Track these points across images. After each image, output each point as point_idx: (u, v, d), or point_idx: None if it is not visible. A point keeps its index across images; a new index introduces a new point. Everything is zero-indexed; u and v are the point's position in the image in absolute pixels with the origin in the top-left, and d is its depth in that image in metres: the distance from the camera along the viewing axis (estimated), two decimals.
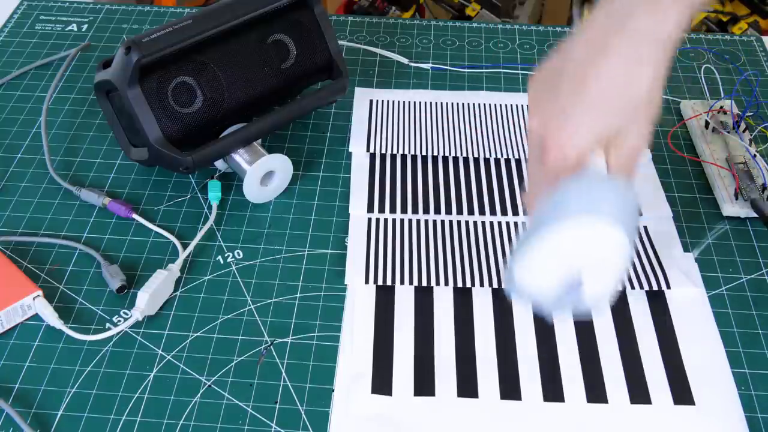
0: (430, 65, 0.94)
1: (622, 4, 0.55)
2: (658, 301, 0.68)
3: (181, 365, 0.64)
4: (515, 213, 0.75)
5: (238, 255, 0.72)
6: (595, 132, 0.55)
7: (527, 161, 0.59)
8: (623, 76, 0.54)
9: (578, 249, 0.53)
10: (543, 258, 0.54)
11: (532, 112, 0.58)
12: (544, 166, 0.56)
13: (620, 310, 0.67)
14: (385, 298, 0.68)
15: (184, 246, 0.72)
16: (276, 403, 0.61)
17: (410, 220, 0.75)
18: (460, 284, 0.69)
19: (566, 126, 0.55)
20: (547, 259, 0.54)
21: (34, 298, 0.66)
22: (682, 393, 0.62)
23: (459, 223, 0.74)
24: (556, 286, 0.55)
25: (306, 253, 0.73)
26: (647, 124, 0.56)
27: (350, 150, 0.82)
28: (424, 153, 0.81)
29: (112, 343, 0.65)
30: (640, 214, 0.75)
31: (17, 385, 0.62)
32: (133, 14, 1.02)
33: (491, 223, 0.74)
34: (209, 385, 0.62)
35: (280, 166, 0.77)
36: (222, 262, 0.72)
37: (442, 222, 0.74)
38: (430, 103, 0.88)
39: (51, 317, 0.65)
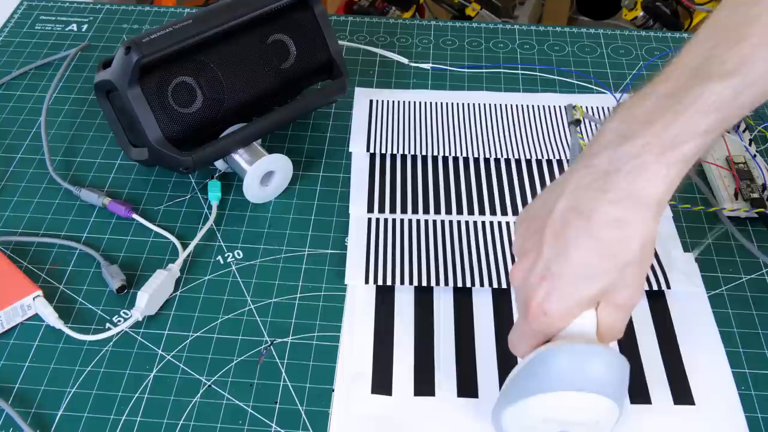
0: (430, 65, 0.94)
1: (608, 158, 0.51)
2: (658, 301, 0.68)
3: (181, 365, 0.64)
4: (515, 213, 0.75)
5: (238, 255, 0.72)
6: (577, 299, 0.52)
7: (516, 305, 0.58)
8: (610, 240, 0.51)
9: (561, 414, 0.53)
10: (524, 418, 0.54)
11: (516, 259, 0.56)
12: (526, 323, 0.54)
13: None
14: (385, 298, 0.68)
15: (184, 246, 0.72)
16: (276, 403, 0.61)
17: (410, 220, 0.75)
18: (460, 284, 0.69)
19: (547, 291, 0.52)
20: (528, 420, 0.54)
21: (34, 298, 0.66)
22: (682, 393, 0.62)
23: (459, 223, 0.74)
24: None
25: (306, 253, 0.73)
26: (638, 283, 0.53)
27: (350, 150, 0.82)
28: (424, 153, 0.81)
29: (112, 343, 0.65)
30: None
31: (17, 385, 0.62)
32: (133, 14, 1.02)
33: (491, 223, 0.74)
34: (209, 385, 0.62)
35: (280, 166, 0.77)
36: (222, 262, 0.72)
37: (442, 222, 0.74)
38: (430, 103, 0.88)
39: (51, 317, 0.65)
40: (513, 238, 0.57)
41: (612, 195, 0.50)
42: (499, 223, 0.74)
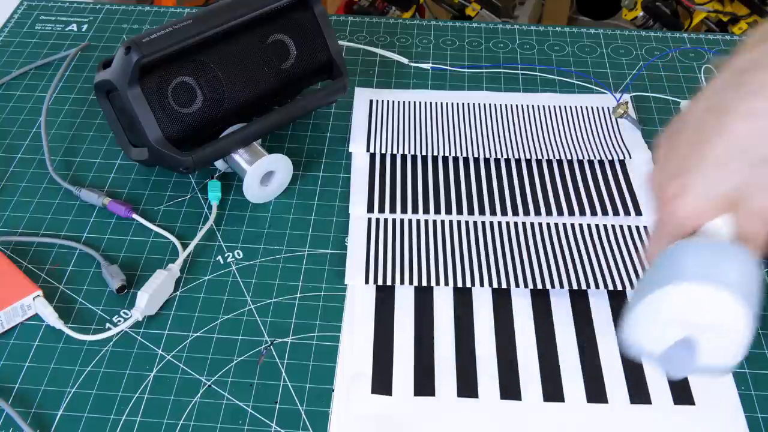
0: (430, 65, 0.94)
1: (746, 59, 0.51)
2: None
3: (181, 365, 0.64)
4: (515, 213, 0.75)
5: (238, 255, 0.72)
6: (710, 195, 0.51)
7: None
8: (744, 132, 0.50)
9: (687, 314, 0.50)
10: (651, 317, 0.51)
11: (655, 163, 0.56)
12: (660, 224, 0.53)
13: (620, 310, 0.67)
14: (385, 298, 0.68)
15: (184, 246, 0.72)
16: (276, 403, 0.61)
17: (410, 220, 0.75)
18: (460, 284, 0.69)
19: (679, 187, 0.52)
20: (655, 319, 0.51)
21: (34, 298, 0.66)
22: (682, 393, 0.62)
23: (459, 223, 0.74)
24: (666, 345, 0.52)
25: (306, 253, 0.73)
26: None
27: (350, 150, 0.82)
28: (424, 153, 0.81)
29: (112, 343, 0.65)
30: (639, 213, 0.75)
31: (17, 385, 0.62)
32: (133, 14, 1.02)
33: (491, 223, 0.74)
34: (209, 385, 0.62)
35: (280, 166, 0.77)
36: (222, 262, 0.72)
37: (442, 222, 0.74)
38: (430, 103, 0.88)
39: (51, 317, 0.65)
40: (656, 147, 0.56)
41: (747, 88, 0.50)
42: (499, 223, 0.74)
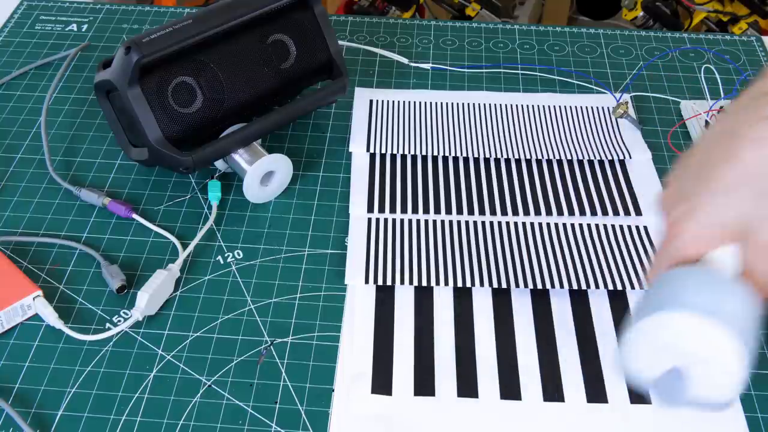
0: (430, 65, 0.94)
1: (756, 90, 0.50)
2: None
3: (181, 365, 0.64)
4: (515, 213, 0.75)
5: (238, 255, 0.72)
6: (715, 223, 0.50)
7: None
8: (748, 162, 0.49)
9: (680, 344, 0.49)
10: (645, 342, 0.50)
11: (666, 187, 0.54)
12: (663, 247, 0.52)
13: (620, 310, 0.67)
14: (385, 298, 0.68)
15: (184, 246, 0.72)
16: (276, 403, 0.61)
17: (410, 220, 0.75)
18: (460, 284, 0.69)
19: (686, 213, 0.50)
20: (649, 344, 0.50)
21: (34, 298, 0.66)
22: None
23: (459, 223, 0.74)
24: (659, 372, 0.51)
25: (306, 253, 0.73)
26: None
27: (350, 150, 0.82)
28: (424, 153, 0.81)
29: (112, 343, 0.65)
30: (639, 213, 0.75)
31: (17, 385, 0.62)
32: (133, 14, 1.02)
33: (491, 223, 0.74)
34: (209, 385, 0.62)
35: (280, 166, 0.77)
36: (222, 262, 0.72)
37: (442, 222, 0.74)
38: (430, 103, 0.88)
39: (51, 317, 0.65)
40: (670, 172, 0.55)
41: (760, 113, 0.49)
42: (499, 223, 0.74)
